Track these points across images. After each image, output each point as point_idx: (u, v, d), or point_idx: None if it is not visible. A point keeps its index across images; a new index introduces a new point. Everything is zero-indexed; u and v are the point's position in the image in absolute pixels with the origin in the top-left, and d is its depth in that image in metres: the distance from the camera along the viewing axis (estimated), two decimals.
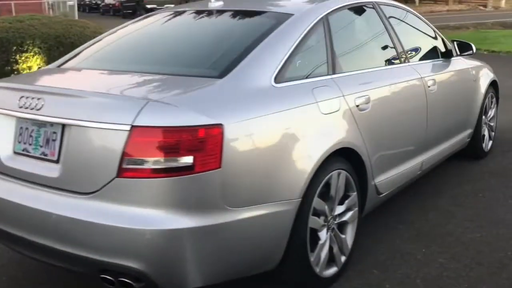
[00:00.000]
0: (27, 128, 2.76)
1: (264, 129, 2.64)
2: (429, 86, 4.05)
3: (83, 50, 3.61)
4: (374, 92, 3.41)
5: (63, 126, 2.60)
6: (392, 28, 3.97)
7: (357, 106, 3.22)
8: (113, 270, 2.47)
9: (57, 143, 2.63)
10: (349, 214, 3.19)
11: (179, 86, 2.70)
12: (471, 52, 4.71)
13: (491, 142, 5.54)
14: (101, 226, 2.43)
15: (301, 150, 2.78)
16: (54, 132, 2.64)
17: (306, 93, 2.93)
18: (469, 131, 4.96)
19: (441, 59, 4.52)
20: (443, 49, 4.62)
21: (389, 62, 3.87)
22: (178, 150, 2.36)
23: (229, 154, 2.44)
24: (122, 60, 3.33)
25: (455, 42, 4.72)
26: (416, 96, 3.92)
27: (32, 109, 2.66)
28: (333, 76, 3.19)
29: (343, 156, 3.08)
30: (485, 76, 5.23)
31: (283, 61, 2.90)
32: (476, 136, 5.13)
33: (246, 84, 2.72)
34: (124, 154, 2.39)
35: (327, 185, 2.95)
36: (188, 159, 2.36)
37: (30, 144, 2.74)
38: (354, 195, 3.21)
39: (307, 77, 3.05)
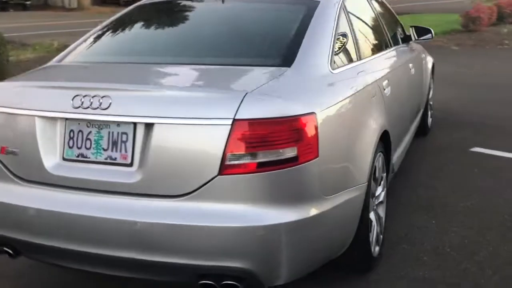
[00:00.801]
0: (80, 131, 2.49)
1: (339, 115, 2.65)
2: (410, 69, 4.30)
3: (90, 43, 3.30)
4: (390, 75, 3.56)
5: (135, 125, 2.39)
6: (379, 14, 4.14)
7: (384, 89, 3.34)
8: (213, 274, 2.34)
9: (129, 144, 2.41)
10: (383, 194, 3.31)
11: (255, 77, 2.60)
12: (430, 36, 5.03)
13: (430, 119, 5.98)
14: (201, 228, 2.28)
15: (366, 135, 2.84)
16: (124, 133, 2.41)
17: (356, 78, 2.98)
18: (422, 110, 5.33)
19: (403, 44, 4.79)
20: (402, 35, 4.90)
21: (385, 47, 4.04)
22: (282, 142, 2.29)
23: (322, 142, 2.42)
24: (169, 51, 3.11)
25: (413, 28, 5.02)
26: (407, 78, 4.15)
27: (95, 108, 2.40)
28: (363, 61, 3.27)
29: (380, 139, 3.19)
30: (429, 59, 5.64)
31: (331, 47, 2.92)
32: (425, 114, 5.52)
33: (311, 72, 2.70)
34: (226, 150, 2.26)
35: (374, 167, 3.04)
36: (292, 151, 2.30)
37: (87, 149, 2.48)
38: (384, 175, 3.33)
39: (349, 63, 3.09)
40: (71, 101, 2.44)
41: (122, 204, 2.39)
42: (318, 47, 2.85)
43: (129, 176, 2.39)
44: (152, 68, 2.88)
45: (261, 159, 2.27)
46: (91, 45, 3.28)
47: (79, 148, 2.49)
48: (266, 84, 2.46)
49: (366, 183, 2.79)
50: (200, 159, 2.29)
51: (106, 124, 2.44)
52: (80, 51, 3.23)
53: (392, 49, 4.14)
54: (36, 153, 2.52)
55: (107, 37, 3.35)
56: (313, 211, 2.39)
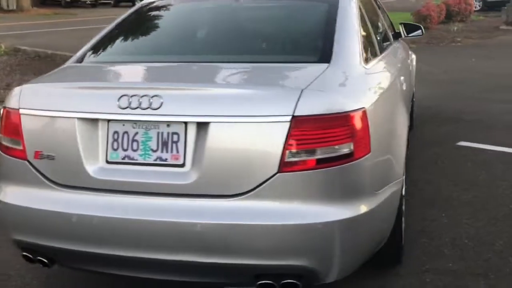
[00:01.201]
0: (126, 132, 2.40)
1: (381, 110, 2.68)
2: (409, 65, 4.38)
3: (111, 43, 3.19)
4: (402, 71, 3.62)
5: (186, 125, 2.32)
6: (380, 11, 4.20)
7: (402, 84, 3.40)
8: (273, 273, 2.31)
9: (181, 145, 2.34)
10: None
11: (301, 73, 2.59)
12: (419, 32, 5.12)
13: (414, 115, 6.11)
14: (261, 227, 2.25)
15: (400, 128, 2.89)
16: (175, 133, 2.34)
17: (384, 73, 3.02)
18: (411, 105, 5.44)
19: (395, 40, 4.88)
20: (393, 31, 4.98)
21: (388, 43, 4.09)
22: (339, 138, 2.29)
23: (372, 137, 2.43)
24: (205, 50, 3.05)
25: (402, 24, 5.10)
26: (408, 74, 4.23)
27: (145, 109, 2.32)
28: (381, 56, 3.31)
29: None
30: (413, 56, 5.76)
31: (360, 43, 2.93)
32: (412, 110, 5.63)
33: (350, 68, 2.70)
34: (286, 147, 2.23)
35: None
36: (348, 146, 2.30)
37: (134, 150, 2.39)
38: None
39: (373, 58, 3.11)
40: (117, 102, 2.35)
41: (178, 206, 2.32)
42: (350, 43, 2.85)
43: (182, 177, 2.32)
44: (196, 67, 2.81)
45: (319, 155, 2.26)
46: (114, 44, 3.18)
47: (124, 150, 2.40)
48: (316, 81, 2.45)
49: (404, 175, 2.83)
50: (258, 157, 2.26)
51: (155, 124, 2.36)
52: (101, 51, 3.12)
53: (392, 45, 4.20)
54: (76, 157, 2.41)
55: (131, 35, 3.26)
56: (366, 207, 2.40)
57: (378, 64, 3.08)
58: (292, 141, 2.24)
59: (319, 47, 2.81)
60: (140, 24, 3.41)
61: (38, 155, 2.49)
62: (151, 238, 2.33)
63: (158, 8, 3.56)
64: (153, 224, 2.32)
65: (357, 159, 2.32)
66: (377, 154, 2.49)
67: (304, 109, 2.24)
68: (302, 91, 2.29)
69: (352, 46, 2.84)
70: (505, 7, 17.23)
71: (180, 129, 2.34)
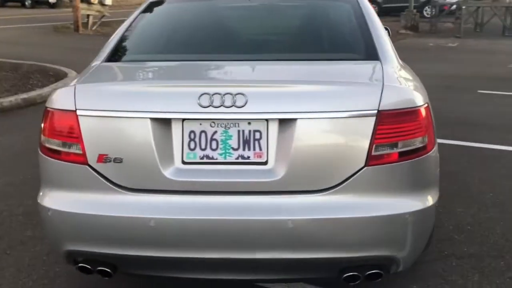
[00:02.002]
0: (203, 132, 2.35)
1: (429, 104, 2.80)
2: None
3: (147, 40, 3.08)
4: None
5: (267, 122, 2.32)
6: None
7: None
8: (358, 265, 2.37)
9: (263, 142, 2.33)
10: None
11: (366, 70, 2.65)
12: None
13: None
14: (350, 220, 2.31)
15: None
16: (257, 131, 2.33)
17: (409, 68, 3.14)
18: None
19: None
20: None
21: None
22: (416, 131, 2.39)
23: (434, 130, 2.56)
24: (251, 48, 3.01)
25: None
26: None
27: (229, 107, 2.29)
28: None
29: None
30: None
31: (389, 40, 3.06)
32: None
33: (396, 64, 2.81)
34: (373, 141, 2.30)
35: None
36: (423, 139, 2.41)
37: (214, 149, 2.35)
38: None
39: (395, 54, 3.24)
40: (198, 100, 2.29)
41: (264, 203, 2.31)
42: (385, 40, 2.96)
43: (267, 174, 2.32)
44: (266, 65, 2.77)
45: (401, 148, 2.35)
46: (150, 42, 3.07)
47: (203, 150, 2.35)
48: (386, 77, 2.52)
49: None
50: (345, 152, 2.31)
51: (235, 122, 2.33)
52: (136, 49, 3.00)
53: None
54: (150, 159, 2.32)
55: (167, 31, 3.15)
56: (435, 197, 2.52)
57: (402, 60, 3.22)
58: (378, 135, 2.31)
59: (363, 44, 2.89)
60: (171, 19, 3.32)
61: (102, 158, 2.36)
62: (236, 237, 2.30)
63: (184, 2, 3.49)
64: (239, 223, 2.29)
65: (429, 151, 2.44)
66: (436, 147, 2.62)
67: (388, 104, 2.33)
68: (383, 86, 2.37)
69: (387, 43, 2.96)
70: (404, 13, 18.39)
71: (262, 127, 2.33)
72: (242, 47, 3.05)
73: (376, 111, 2.30)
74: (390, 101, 2.34)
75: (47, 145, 2.48)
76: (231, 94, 2.29)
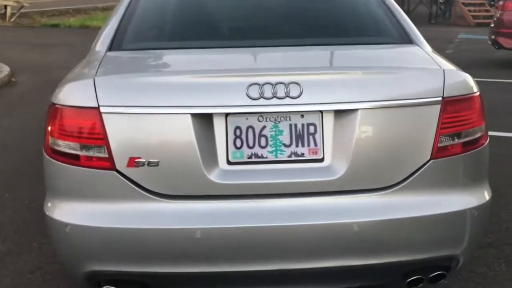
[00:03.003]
0: (250, 127, 2.06)
1: None
2: None
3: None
4: None
5: (321, 114, 2.07)
6: None
7: None
8: (420, 267, 2.17)
9: (318, 136, 2.07)
10: None
11: (410, 55, 2.45)
12: None
13: None
14: (419, 220, 2.10)
15: None
16: (311, 124, 2.07)
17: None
18: None
19: None
20: None
21: None
22: (476, 120, 2.22)
23: None
24: (286, 33, 2.69)
25: None
26: None
27: (281, 98, 2.00)
28: None
29: None
30: None
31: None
32: None
33: (430, 48, 2.63)
34: (438, 131, 2.10)
35: None
36: (481, 128, 2.24)
37: (263, 147, 2.06)
38: None
39: None
40: (246, 91, 2.00)
41: (324, 206, 2.06)
42: (410, 23, 2.77)
43: (324, 172, 2.06)
44: (311, 51, 2.48)
45: (464, 138, 2.18)
46: (161, 28, 2.72)
47: (250, 148, 2.06)
48: (436, 61, 2.33)
49: None
50: (409, 144, 2.10)
51: (286, 115, 2.06)
52: (146, 35, 2.64)
53: None
54: (192, 160, 2.01)
55: (181, 16, 2.79)
56: (489, 189, 2.36)
57: None
58: (443, 125, 2.11)
59: (394, 28, 2.67)
60: (179, 4, 2.95)
61: (133, 162, 2.02)
62: (294, 245, 2.03)
63: None
64: (298, 229, 2.03)
65: (486, 141, 2.28)
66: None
67: (451, 90, 2.14)
68: (444, 71, 2.17)
69: (414, 26, 2.78)
70: None
71: (316, 119, 2.07)
72: (277, 31, 2.72)
73: (440, 98, 2.10)
74: (453, 88, 2.15)
75: (57, 148, 2.10)
76: (283, 83, 2.01)
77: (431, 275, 2.19)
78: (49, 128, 2.13)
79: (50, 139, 2.12)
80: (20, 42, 12.56)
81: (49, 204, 2.17)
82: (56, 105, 2.11)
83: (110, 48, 2.50)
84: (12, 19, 16.99)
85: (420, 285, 2.21)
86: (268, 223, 2.01)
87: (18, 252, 3.19)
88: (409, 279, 2.17)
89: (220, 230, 2.01)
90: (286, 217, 2.03)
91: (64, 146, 2.08)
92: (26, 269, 3.00)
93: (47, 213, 2.15)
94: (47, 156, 2.15)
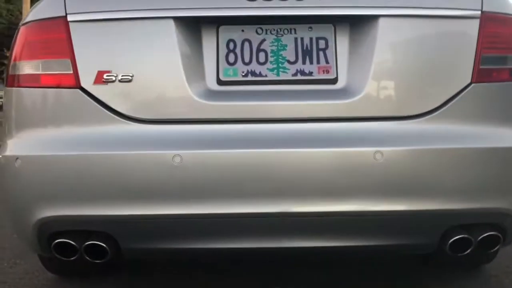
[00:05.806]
0: (247, 40, 1.69)
1: None
2: None
3: None
4: None
5: (335, 26, 1.69)
6: None
7: None
8: (465, 224, 1.67)
9: (330, 53, 1.69)
10: None
11: None
12: None
13: None
14: (458, 153, 1.66)
15: None
16: (321, 38, 1.69)
17: None
18: None
19: None
20: None
21: None
22: None
23: None
24: None
25: None
26: None
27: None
28: None
29: None
30: None
31: None
32: None
33: None
34: (479, 51, 1.70)
35: None
36: None
37: (261, 63, 1.68)
38: None
39: None
40: None
41: (340, 131, 1.63)
42: None
43: (339, 95, 1.66)
44: None
45: (510, 64, 1.76)
46: None
47: (246, 64, 1.68)
48: None
49: None
50: (446, 63, 1.70)
51: (290, 28, 1.70)
52: None
53: None
54: (173, 76, 1.63)
55: None
56: None
57: None
58: (485, 44, 1.71)
59: None
60: None
61: (102, 78, 1.64)
62: (300, 179, 1.58)
63: None
64: (307, 155, 1.59)
65: None
66: None
67: (491, 4, 1.75)
68: None
69: None
70: None
71: (328, 33, 1.69)
72: None
73: (479, 12, 1.72)
74: (493, 2, 1.77)
75: (16, 73, 1.75)
76: None
77: (481, 237, 1.67)
78: (12, 56, 1.79)
79: (11, 66, 1.78)
80: None
81: (1, 146, 1.78)
82: (21, 27, 1.79)
83: None
84: None
85: (468, 250, 1.69)
86: (267, 148, 1.58)
87: None
88: (451, 239, 1.66)
89: (206, 156, 1.58)
90: (290, 143, 1.60)
91: (24, 67, 1.73)
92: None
93: None
94: (5, 87, 1.80)
